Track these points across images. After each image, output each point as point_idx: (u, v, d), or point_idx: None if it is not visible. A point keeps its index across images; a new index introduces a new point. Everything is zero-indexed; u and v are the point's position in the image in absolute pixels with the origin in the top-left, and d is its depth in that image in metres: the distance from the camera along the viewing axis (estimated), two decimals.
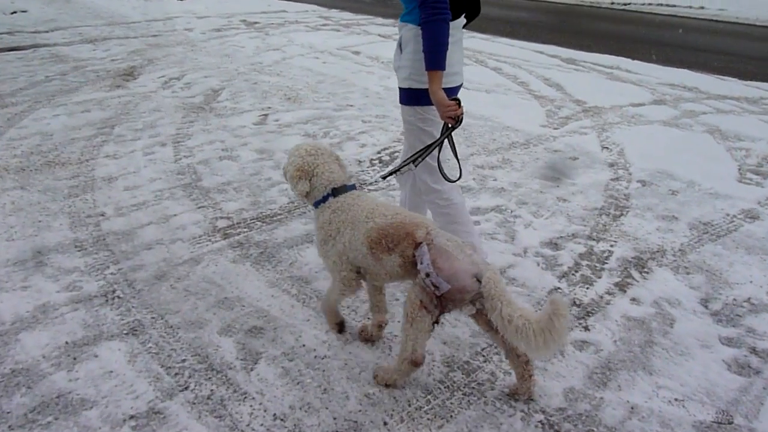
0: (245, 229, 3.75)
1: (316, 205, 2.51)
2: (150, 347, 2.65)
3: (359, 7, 14.76)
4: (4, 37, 10.02)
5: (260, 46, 9.58)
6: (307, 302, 3.02)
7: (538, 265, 3.46)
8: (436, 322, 2.25)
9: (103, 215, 3.87)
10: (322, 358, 2.62)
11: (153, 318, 2.85)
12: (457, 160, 2.76)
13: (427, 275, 2.13)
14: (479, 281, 2.11)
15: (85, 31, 10.77)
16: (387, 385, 2.41)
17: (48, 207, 3.96)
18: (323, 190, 2.46)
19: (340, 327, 2.72)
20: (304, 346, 2.70)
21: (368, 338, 2.69)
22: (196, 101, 6.49)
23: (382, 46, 9.66)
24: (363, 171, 4.73)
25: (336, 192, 2.45)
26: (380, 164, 4.86)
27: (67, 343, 2.65)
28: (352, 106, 6.37)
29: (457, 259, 2.13)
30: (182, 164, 4.74)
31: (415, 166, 2.70)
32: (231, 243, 3.57)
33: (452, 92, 2.73)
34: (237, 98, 6.57)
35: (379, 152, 5.10)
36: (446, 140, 2.69)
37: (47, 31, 10.68)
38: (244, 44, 9.66)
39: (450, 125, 2.64)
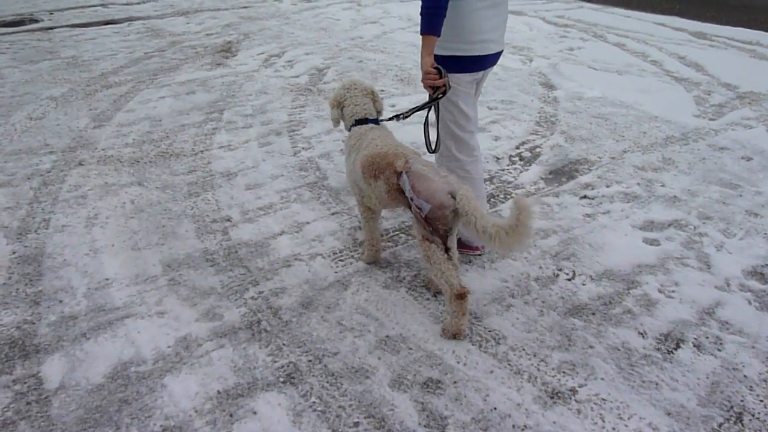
0: (389, 244, 3.27)
1: (349, 129, 2.86)
2: (313, 402, 2.22)
3: None
4: (98, 9, 9.88)
5: (356, 18, 9.02)
6: (484, 346, 2.52)
7: (750, 303, 2.82)
8: (447, 251, 2.39)
9: (229, 220, 3.48)
10: (522, 429, 2.12)
11: (310, 361, 2.42)
12: (437, 132, 2.80)
13: (411, 199, 2.34)
14: (454, 198, 2.29)
15: (175, 2, 10.53)
16: (455, 336, 2.49)
17: (170, 209, 3.60)
18: (350, 120, 2.82)
19: (373, 258, 3.00)
20: (495, 409, 2.21)
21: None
22: (302, 82, 6.04)
23: None
24: (503, 170, 4.15)
25: (358, 122, 2.78)
26: (521, 162, 4.27)
27: (219, 392, 2.26)
28: None
29: (432, 180, 2.32)
30: (302, 158, 4.31)
31: (401, 119, 2.78)
32: (378, 263, 3.09)
33: (481, 62, 2.65)
34: (344, 78, 6.06)
35: (517, 147, 4.50)
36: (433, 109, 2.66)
37: (139, 3, 10.49)
38: (339, 16, 9.13)
39: (430, 94, 2.56)
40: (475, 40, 2.56)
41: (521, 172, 4.15)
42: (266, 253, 3.17)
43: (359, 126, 2.78)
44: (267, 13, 9.57)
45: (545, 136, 4.69)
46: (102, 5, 10.42)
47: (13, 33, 8.40)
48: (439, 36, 2.42)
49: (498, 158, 4.33)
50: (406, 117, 2.75)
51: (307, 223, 3.47)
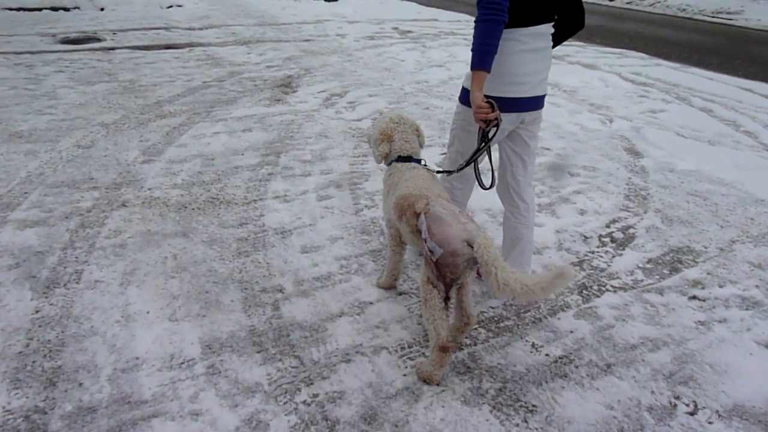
0: (467, 341, 2.74)
1: (389, 164, 2.80)
2: None
3: None
4: (161, 33, 9.80)
5: (421, 60, 8.67)
6: None
7: None
8: (447, 299, 2.33)
9: (281, 291, 3.02)
10: None
11: None
12: (492, 168, 2.74)
13: (425, 241, 2.28)
14: (471, 246, 2.18)
15: (237, 30, 10.39)
16: (426, 381, 2.42)
17: (215, 270, 3.17)
18: (393, 155, 2.76)
19: (388, 286, 2.98)
20: None
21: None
22: (365, 127, 5.64)
23: (558, 70, 8.43)
24: (593, 253, 3.61)
25: (400, 159, 2.73)
26: (613, 244, 3.71)
27: None
28: (549, 150, 5.24)
29: (449, 225, 2.23)
30: (365, 218, 3.85)
31: (457, 172, 2.78)
32: (454, 366, 2.57)
33: (515, 104, 2.63)
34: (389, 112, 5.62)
35: (607, 225, 3.95)
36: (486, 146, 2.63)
37: (201, 29, 10.40)
38: (403, 57, 8.79)
39: (483, 129, 2.57)
40: (512, 82, 2.60)
41: (614, 256, 3.59)
42: (323, 340, 2.68)
43: (401, 163, 2.73)
44: (329, 48, 9.31)
45: (638, 214, 4.13)
46: (165, 28, 10.37)
47: (74, 51, 8.32)
48: (489, 72, 2.46)
49: (586, 237, 3.79)
50: (464, 167, 2.74)
51: (371, 303, 2.98)
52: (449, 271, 2.25)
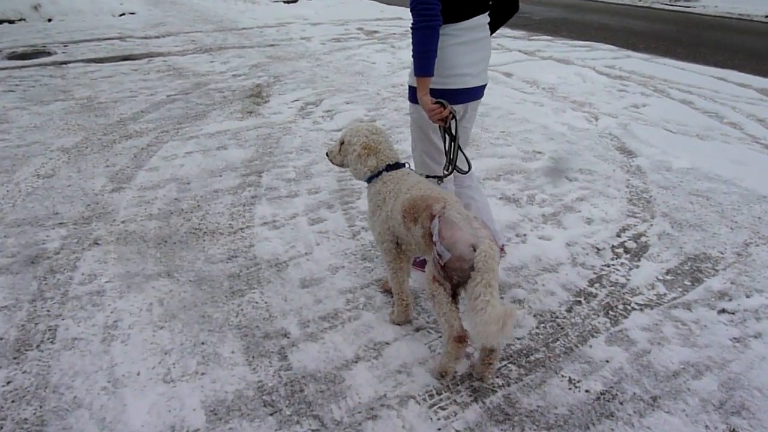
0: (499, 381, 2.49)
1: (370, 180, 2.69)
2: None
3: None
4: (115, 43, 9.29)
5: (392, 62, 8.40)
6: None
7: None
8: (455, 296, 2.30)
9: (286, 336, 2.71)
10: None
11: None
12: (464, 154, 2.75)
13: (435, 244, 2.25)
14: (475, 250, 2.15)
15: (197, 37, 9.94)
16: (442, 375, 2.43)
17: (209, 315, 2.83)
18: (380, 166, 2.66)
19: (405, 318, 2.78)
20: None
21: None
22: None
23: (533, 67, 8.29)
24: (609, 267, 3.40)
25: (389, 168, 2.65)
26: (627, 255, 3.52)
27: None
28: (541, 153, 5.04)
29: (460, 230, 2.21)
30: (364, 242, 3.57)
31: (449, 173, 2.73)
32: (492, 414, 2.31)
33: (459, 95, 2.70)
34: (395, 135, 5.37)
35: (618, 234, 3.75)
36: (450, 136, 2.66)
37: (158, 37, 9.91)
38: (373, 59, 8.51)
39: (442, 126, 2.64)
40: (451, 74, 2.65)
41: (630, 269, 3.39)
42: (341, 394, 2.39)
43: (395, 171, 2.66)
44: (295, 52, 8.95)
45: (646, 219, 3.95)
46: (120, 38, 9.84)
47: (24, 67, 7.77)
48: (432, 76, 2.53)
49: (599, 249, 3.58)
50: (452, 171, 2.73)
51: (387, 344, 2.70)
52: (456, 274, 2.24)
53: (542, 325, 2.88)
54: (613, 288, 3.21)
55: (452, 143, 2.65)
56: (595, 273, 3.35)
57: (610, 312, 3.00)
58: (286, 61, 8.31)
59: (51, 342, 2.64)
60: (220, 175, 4.47)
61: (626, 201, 4.23)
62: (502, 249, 3.27)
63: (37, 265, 3.25)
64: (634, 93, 7.09)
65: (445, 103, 2.56)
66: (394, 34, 10.67)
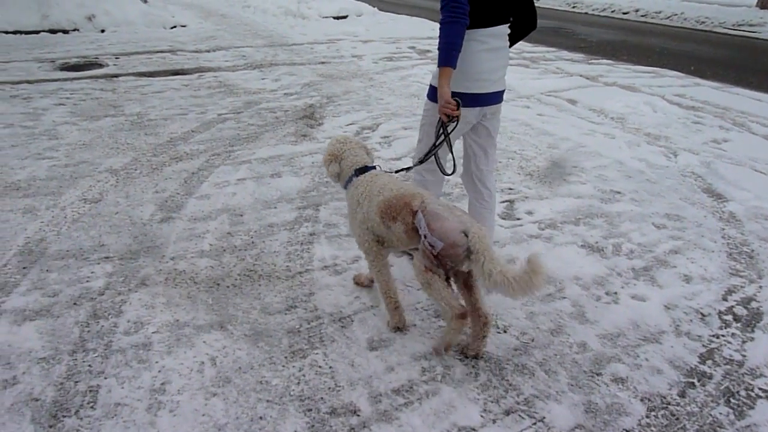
0: None
1: (346, 186, 2.87)
2: None
3: (531, 36, 12.89)
4: (167, 56, 9.18)
5: None
6: None
7: None
8: (448, 279, 2.47)
9: (356, 413, 2.35)
10: None
11: None
12: (452, 156, 2.94)
13: (425, 237, 2.40)
14: (467, 236, 2.34)
15: (247, 52, 9.77)
16: (445, 350, 2.63)
17: (267, 381, 2.49)
18: (349, 171, 2.83)
19: (400, 319, 2.82)
20: None
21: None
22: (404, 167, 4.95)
23: (598, 94, 7.83)
24: (718, 338, 2.97)
25: (358, 172, 2.81)
26: (738, 324, 3.09)
27: None
28: (620, 194, 4.59)
29: (447, 219, 2.38)
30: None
31: (420, 163, 2.99)
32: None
33: (478, 99, 2.86)
34: (458, 169, 4.96)
35: (723, 298, 3.29)
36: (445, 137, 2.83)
37: (208, 51, 9.78)
38: (428, 81, 8.12)
39: (444, 122, 2.78)
40: (475, 79, 2.83)
41: (744, 341, 2.94)
42: None
43: (363, 175, 2.80)
44: (348, 71, 8.68)
45: (753, 279, 3.47)
46: (171, 51, 9.74)
47: (75, 79, 7.67)
48: (455, 68, 2.67)
49: (704, 316, 3.12)
50: (424, 161, 2.94)
51: (473, 430, 2.29)
52: (450, 261, 2.40)
53: (653, 413, 2.45)
54: (729, 367, 2.76)
55: (441, 141, 2.86)
56: (704, 345, 2.90)
57: (732, 399, 2.55)
58: (338, 81, 8.04)
59: (91, 407, 2.33)
60: (275, 207, 4.16)
61: (726, 255, 3.76)
62: None
63: (80, 307, 2.96)
64: (712, 126, 6.58)
65: (459, 104, 2.73)
66: None
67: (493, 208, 3.22)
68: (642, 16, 17.55)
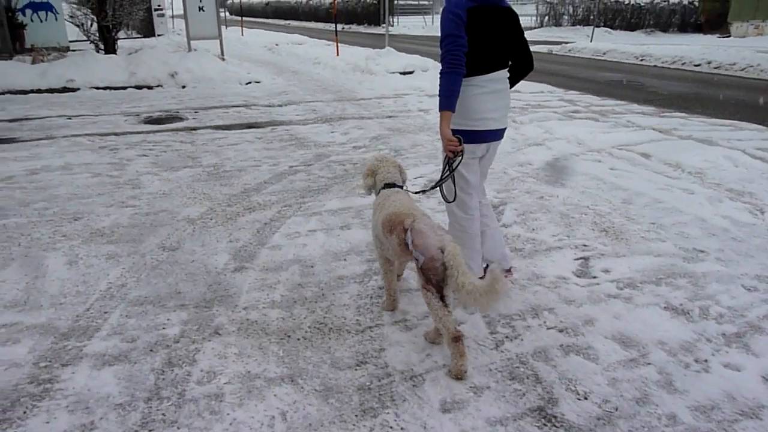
0: None
1: (377, 193, 3.36)
2: None
3: (599, 89, 12.85)
4: (242, 110, 9.60)
5: (516, 138, 8.00)
6: None
7: None
8: (443, 297, 2.73)
9: None
10: None
11: None
12: (454, 186, 3.26)
13: (412, 252, 2.75)
14: (443, 252, 2.66)
15: (317, 107, 10.09)
16: (457, 377, 2.82)
17: None
18: (380, 185, 3.33)
19: (391, 305, 3.39)
20: None
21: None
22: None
23: (672, 147, 7.57)
24: None
25: (385, 186, 3.28)
26: None
27: None
28: (704, 253, 4.34)
29: (428, 236, 2.73)
30: (510, 356, 3.08)
31: (431, 189, 3.57)
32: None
33: (483, 135, 3.28)
34: (530, 222, 4.88)
35: None
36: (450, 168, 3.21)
37: (281, 105, 10.17)
38: None
39: (449, 158, 3.18)
40: (477, 118, 3.20)
41: None
42: None
43: (387, 189, 3.25)
44: (414, 125, 8.80)
45: None
46: (245, 106, 10.19)
47: (158, 132, 8.11)
48: (453, 111, 3.06)
49: None
50: (433, 189, 3.43)
51: None
52: (432, 274, 2.70)
53: None
54: None
55: (446, 173, 3.23)
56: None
57: None
58: (405, 134, 8.15)
59: None
60: (344, 259, 4.17)
61: None
62: (509, 271, 3.74)
63: (156, 354, 3.02)
64: None
65: (461, 140, 3.11)
66: (514, 108, 10.32)
67: (491, 212, 3.70)
68: (715, 68, 17.09)
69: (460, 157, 3.16)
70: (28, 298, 3.58)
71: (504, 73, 3.27)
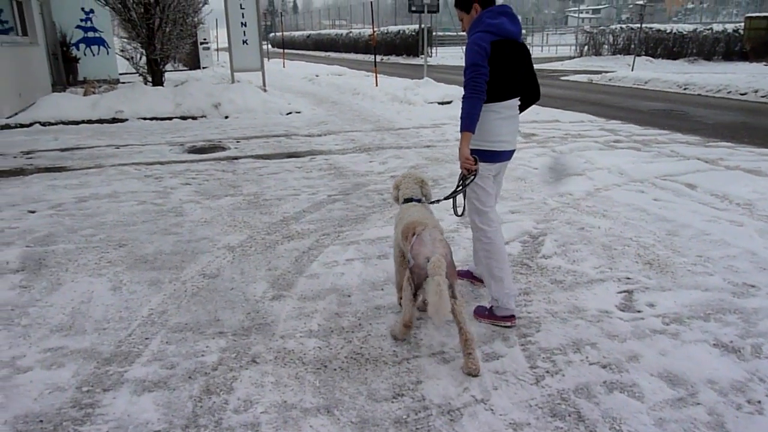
0: None
1: (401, 204, 3.73)
2: None
3: (641, 119, 12.64)
4: (282, 140, 9.79)
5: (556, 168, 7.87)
6: None
7: None
8: (415, 295, 3.17)
9: None
10: None
11: None
12: (464, 202, 3.65)
13: (409, 252, 3.16)
14: (428, 261, 2.97)
15: (356, 137, 10.21)
16: (394, 338, 3.43)
17: None
18: (402, 198, 3.72)
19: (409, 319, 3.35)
20: None
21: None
22: (514, 252, 4.85)
23: (719, 178, 7.36)
24: None
25: (406, 201, 3.68)
26: None
27: None
28: (755, 288, 4.16)
29: (425, 246, 3.06)
30: (550, 391, 2.97)
31: (444, 200, 3.79)
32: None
33: (498, 156, 3.59)
34: (571, 254, 4.78)
35: None
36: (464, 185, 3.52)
37: (320, 135, 10.32)
38: (535, 164, 8.08)
39: (464, 175, 3.48)
40: (493, 140, 3.52)
41: None
42: None
43: (407, 203, 3.63)
44: (453, 154, 8.79)
45: None
46: (285, 135, 10.39)
47: (201, 161, 8.33)
48: (473, 133, 3.35)
49: None
50: (447, 199, 3.69)
51: None
52: (416, 276, 3.08)
53: None
54: None
55: (460, 188, 3.56)
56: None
57: None
58: (443, 164, 8.16)
59: None
60: (382, 289, 4.16)
61: None
62: (513, 318, 3.68)
63: (194, 381, 3.04)
64: None
65: (477, 160, 3.41)
66: (554, 137, 10.24)
67: (500, 227, 3.78)
68: (762, 96, 16.64)
69: (473, 176, 3.44)
70: (73, 322, 3.67)
71: (516, 101, 3.61)
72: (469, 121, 3.31)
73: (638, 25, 26.77)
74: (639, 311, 3.86)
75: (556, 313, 3.81)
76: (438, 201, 3.82)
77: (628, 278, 4.34)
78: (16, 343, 3.43)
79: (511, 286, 3.59)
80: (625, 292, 4.15)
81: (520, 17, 4.13)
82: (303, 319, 3.72)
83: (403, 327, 3.28)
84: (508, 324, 3.60)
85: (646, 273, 4.44)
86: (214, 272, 4.44)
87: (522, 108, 3.70)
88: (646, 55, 28.57)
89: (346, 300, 3.99)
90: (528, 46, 3.73)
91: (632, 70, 23.15)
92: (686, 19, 76.83)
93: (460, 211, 3.68)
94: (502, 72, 3.40)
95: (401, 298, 3.46)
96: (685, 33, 29.18)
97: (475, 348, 3.11)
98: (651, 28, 29.88)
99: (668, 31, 29.69)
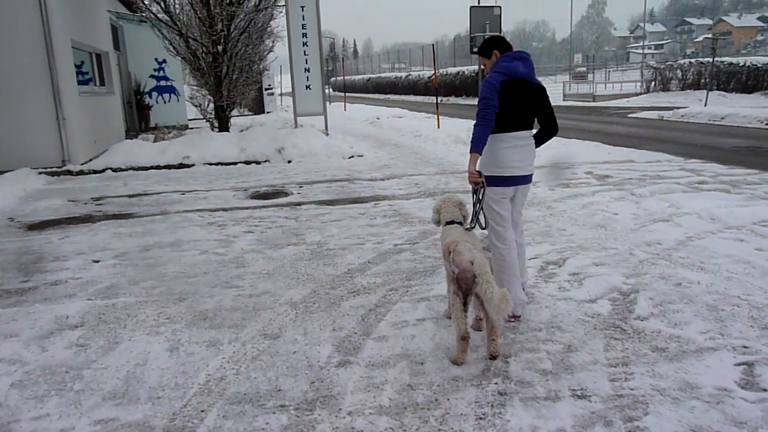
0: None
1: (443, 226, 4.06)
2: None
3: (724, 157, 11.81)
4: (345, 185, 9.60)
5: (638, 213, 7.31)
6: None
7: None
8: (465, 304, 3.47)
9: None
10: None
11: None
12: (477, 216, 3.98)
13: (451, 264, 3.49)
14: (473, 264, 3.36)
15: (420, 181, 9.92)
16: (453, 362, 3.53)
17: None
18: (443, 221, 4.04)
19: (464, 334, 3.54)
20: None
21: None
22: (604, 312, 4.32)
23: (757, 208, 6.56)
24: None
25: (447, 223, 3.99)
26: None
27: None
28: None
29: (463, 254, 3.45)
30: None
31: (472, 227, 4.00)
32: None
33: (510, 180, 4.07)
34: (670, 316, 4.22)
35: None
36: (478, 200, 3.98)
37: (383, 179, 10.08)
38: (614, 209, 7.50)
39: (474, 189, 3.95)
40: (503, 166, 4.02)
41: None
42: None
43: (448, 225, 3.97)
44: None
45: None
46: (348, 180, 10.21)
47: (263, 207, 8.20)
48: (480, 154, 3.93)
49: None
50: (474, 221, 4.03)
51: None
52: (464, 283, 3.42)
53: None
54: None
55: (477, 204, 3.95)
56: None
57: None
58: None
59: None
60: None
61: None
62: (516, 317, 4.12)
63: None
64: None
65: (481, 174, 3.91)
66: (630, 179, 9.62)
67: (523, 239, 4.50)
68: None
69: (482, 188, 3.91)
70: (127, 389, 3.42)
71: (527, 133, 4.10)
72: (476, 144, 3.84)
73: (709, 59, 25.66)
74: (765, 390, 3.27)
75: (665, 390, 3.27)
76: (470, 228, 3.98)
77: (745, 347, 3.75)
78: (66, 413, 3.20)
79: (517, 295, 4.01)
80: (744, 364, 3.56)
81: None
82: (372, 391, 3.34)
83: (460, 341, 3.45)
84: (512, 320, 4.09)
85: (766, 341, 3.83)
86: (276, 332, 4.14)
87: (541, 140, 4.25)
88: (717, 89, 27.30)
89: (419, 369, 3.58)
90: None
91: (705, 105, 22.07)
92: (756, 51, 73.68)
93: (484, 223, 4.06)
94: (511, 107, 3.95)
95: (449, 310, 3.73)
96: (759, 66, 27.77)
97: (500, 335, 3.60)
98: (722, 61, 28.63)
99: (741, 64, 28.37)
